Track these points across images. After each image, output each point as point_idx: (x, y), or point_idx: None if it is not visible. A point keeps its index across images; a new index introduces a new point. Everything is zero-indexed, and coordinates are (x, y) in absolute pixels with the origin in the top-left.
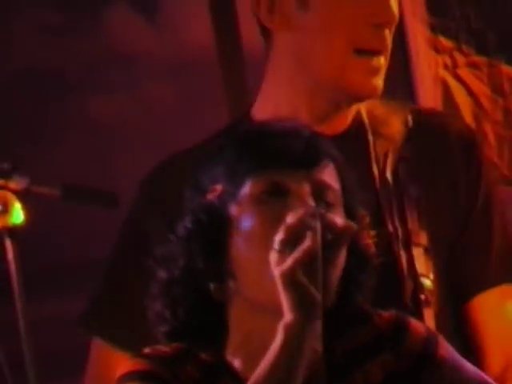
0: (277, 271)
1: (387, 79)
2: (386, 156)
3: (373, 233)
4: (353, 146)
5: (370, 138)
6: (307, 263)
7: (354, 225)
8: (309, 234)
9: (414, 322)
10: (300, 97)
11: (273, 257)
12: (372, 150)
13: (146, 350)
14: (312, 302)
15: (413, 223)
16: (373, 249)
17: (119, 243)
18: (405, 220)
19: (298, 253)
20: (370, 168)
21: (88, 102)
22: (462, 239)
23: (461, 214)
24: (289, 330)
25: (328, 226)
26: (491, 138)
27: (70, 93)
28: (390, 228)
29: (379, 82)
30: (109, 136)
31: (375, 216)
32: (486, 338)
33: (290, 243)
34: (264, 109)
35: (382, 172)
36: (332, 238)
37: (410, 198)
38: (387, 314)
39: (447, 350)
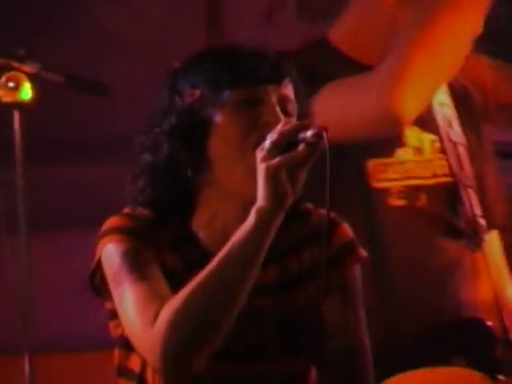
0: (262, 165)
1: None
2: None
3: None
4: None
5: None
6: (291, 167)
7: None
8: (302, 146)
9: (345, 225)
10: None
11: (259, 153)
12: None
13: (128, 210)
14: (285, 196)
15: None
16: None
17: None
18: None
19: (287, 157)
20: None
21: (94, 11)
22: None
23: None
24: (262, 213)
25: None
26: None
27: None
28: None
29: None
30: (109, 41)
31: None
32: None
33: (279, 146)
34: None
35: None
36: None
37: None
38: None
39: (357, 270)
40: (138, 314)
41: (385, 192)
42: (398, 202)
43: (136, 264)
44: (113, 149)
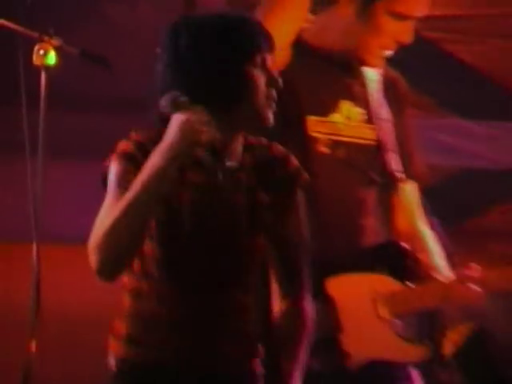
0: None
1: None
2: None
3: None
4: None
5: None
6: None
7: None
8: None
9: (293, 157)
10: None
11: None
12: None
13: (134, 136)
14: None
15: None
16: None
17: None
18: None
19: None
20: None
21: (105, 5)
22: None
23: None
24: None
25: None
26: None
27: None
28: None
29: None
30: (114, 26)
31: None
32: None
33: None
34: None
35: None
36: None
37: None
38: (281, 148)
39: (303, 196)
40: (96, 225)
41: (315, 141)
42: (323, 150)
43: (121, 185)
44: (111, 104)
